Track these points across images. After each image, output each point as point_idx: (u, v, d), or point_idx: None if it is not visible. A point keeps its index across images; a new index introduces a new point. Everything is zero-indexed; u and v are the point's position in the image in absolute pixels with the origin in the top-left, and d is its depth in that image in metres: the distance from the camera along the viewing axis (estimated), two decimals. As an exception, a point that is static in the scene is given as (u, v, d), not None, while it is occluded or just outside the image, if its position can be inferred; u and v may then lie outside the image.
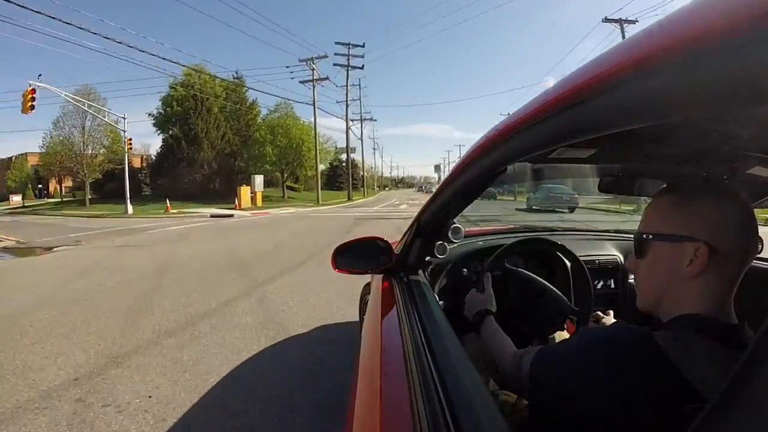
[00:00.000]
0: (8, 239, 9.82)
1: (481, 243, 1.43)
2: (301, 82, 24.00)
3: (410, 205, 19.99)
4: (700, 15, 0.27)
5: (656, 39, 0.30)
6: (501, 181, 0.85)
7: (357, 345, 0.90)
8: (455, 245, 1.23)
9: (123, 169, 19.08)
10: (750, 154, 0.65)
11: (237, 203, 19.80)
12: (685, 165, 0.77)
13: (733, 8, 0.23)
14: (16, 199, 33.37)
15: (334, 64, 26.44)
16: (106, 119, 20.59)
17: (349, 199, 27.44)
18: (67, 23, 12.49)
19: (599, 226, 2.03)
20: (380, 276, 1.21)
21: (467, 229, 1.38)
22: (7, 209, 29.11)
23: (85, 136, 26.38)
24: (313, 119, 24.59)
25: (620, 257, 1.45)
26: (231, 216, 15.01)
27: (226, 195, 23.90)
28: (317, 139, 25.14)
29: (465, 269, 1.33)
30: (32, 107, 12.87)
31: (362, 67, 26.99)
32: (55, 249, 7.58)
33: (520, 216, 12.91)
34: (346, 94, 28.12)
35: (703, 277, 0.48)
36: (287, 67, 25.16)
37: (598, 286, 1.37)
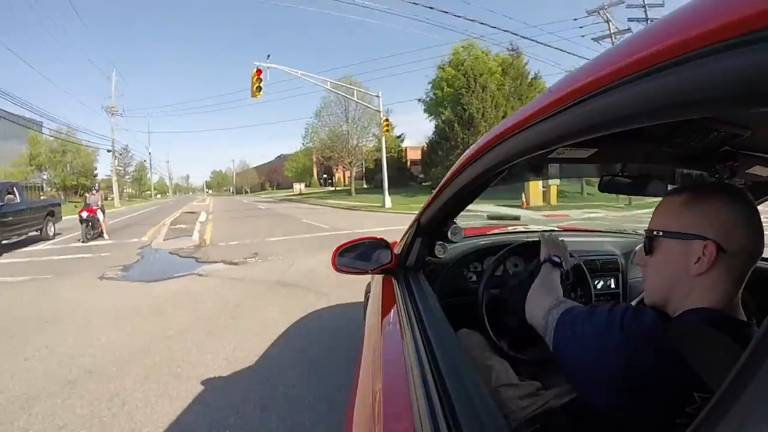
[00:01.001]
0: (202, 238, 7.96)
1: (481, 243, 1.43)
2: (594, 39, 17.78)
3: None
4: (699, 15, 0.27)
5: (656, 39, 0.30)
6: (501, 180, 0.85)
7: (358, 345, 0.90)
8: (455, 245, 1.23)
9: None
10: (750, 154, 0.65)
11: (524, 200, 14.43)
12: (685, 165, 0.77)
13: (733, 8, 0.24)
14: (297, 187, 39.65)
15: (629, 19, 18.32)
16: (356, 101, 18.46)
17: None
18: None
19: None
20: (381, 276, 1.21)
21: (467, 228, 1.37)
22: (285, 196, 33.41)
23: (349, 125, 25.38)
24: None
25: (620, 257, 1.45)
26: (516, 218, 8.42)
27: (512, 189, 18.36)
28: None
29: (465, 269, 1.33)
30: (259, 89, 12.04)
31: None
32: (195, 272, 4.88)
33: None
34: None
35: (711, 274, 0.49)
36: (575, 19, 19.03)
37: (598, 286, 1.37)
